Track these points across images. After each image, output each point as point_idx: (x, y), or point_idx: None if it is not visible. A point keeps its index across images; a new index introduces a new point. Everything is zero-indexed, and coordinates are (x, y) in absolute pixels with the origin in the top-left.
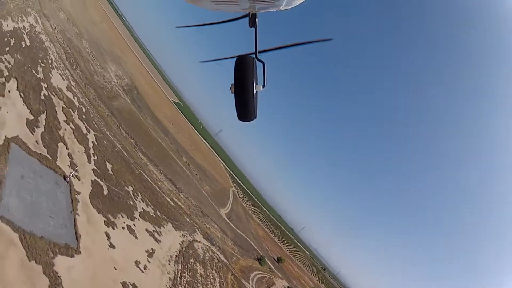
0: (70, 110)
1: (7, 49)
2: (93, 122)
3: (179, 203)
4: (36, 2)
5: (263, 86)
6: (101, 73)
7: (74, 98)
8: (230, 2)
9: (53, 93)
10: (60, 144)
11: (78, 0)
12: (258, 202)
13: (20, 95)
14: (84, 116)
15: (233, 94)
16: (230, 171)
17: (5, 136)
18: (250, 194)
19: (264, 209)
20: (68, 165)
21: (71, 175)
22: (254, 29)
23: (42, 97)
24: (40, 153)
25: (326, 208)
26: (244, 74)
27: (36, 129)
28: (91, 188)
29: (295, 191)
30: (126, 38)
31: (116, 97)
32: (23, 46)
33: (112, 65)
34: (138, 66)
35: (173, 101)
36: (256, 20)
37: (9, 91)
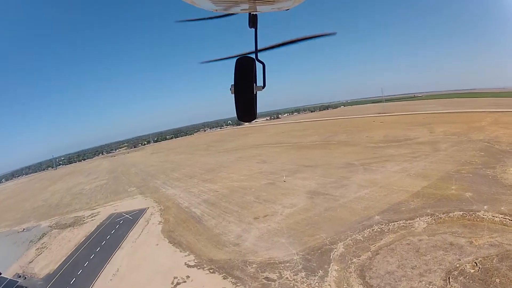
0: None
1: None
2: None
3: None
4: None
5: (263, 87)
6: None
7: None
8: (230, 2)
9: None
10: None
11: None
12: None
13: None
14: None
15: (233, 95)
16: None
17: None
18: None
19: None
20: None
21: None
22: (254, 29)
23: None
24: None
25: None
26: (244, 75)
27: None
28: None
29: None
30: None
31: None
32: None
33: None
34: None
35: None
36: (256, 20)
37: None
